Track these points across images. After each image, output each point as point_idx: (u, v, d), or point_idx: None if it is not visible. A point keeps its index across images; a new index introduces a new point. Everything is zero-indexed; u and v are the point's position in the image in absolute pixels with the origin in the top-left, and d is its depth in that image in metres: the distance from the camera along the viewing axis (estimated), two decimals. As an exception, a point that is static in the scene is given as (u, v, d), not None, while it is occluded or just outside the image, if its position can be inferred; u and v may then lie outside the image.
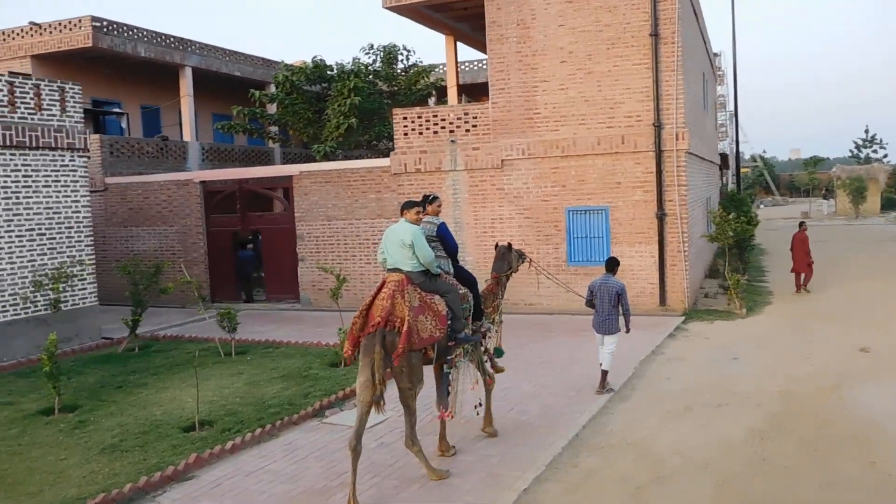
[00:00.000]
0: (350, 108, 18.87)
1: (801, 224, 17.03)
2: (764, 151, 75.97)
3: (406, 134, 15.38)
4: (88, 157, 14.54)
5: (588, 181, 14.08)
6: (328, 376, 9.93)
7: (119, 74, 22.03)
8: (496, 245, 7.69)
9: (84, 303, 13.90)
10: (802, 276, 15.82)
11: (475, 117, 14.83)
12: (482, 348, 7.11)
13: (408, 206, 6.38)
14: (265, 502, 6.01)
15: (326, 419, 8.19)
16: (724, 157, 29.69)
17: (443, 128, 15.11)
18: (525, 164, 14.49)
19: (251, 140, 24.50)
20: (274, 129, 22.15)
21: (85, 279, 13.91)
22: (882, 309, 13.54)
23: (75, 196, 13.92)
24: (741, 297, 13.91)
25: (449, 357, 6.50)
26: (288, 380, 9.85)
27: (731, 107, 52.43)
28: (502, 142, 14.59)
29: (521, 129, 14.46)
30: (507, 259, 7.54)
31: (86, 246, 14.04)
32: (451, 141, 15.00)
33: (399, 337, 5.80)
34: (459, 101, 18.47)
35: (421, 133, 15.27)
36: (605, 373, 8.76)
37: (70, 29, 19.57)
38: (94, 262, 14.11)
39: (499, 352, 7.42)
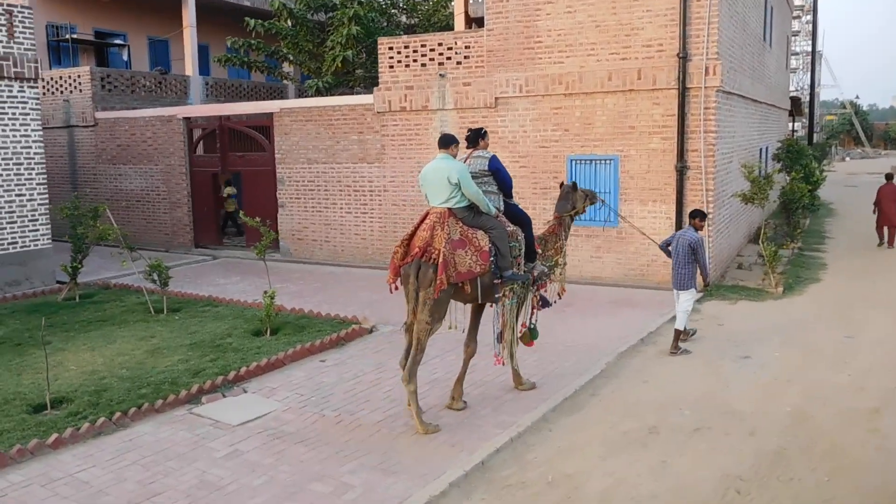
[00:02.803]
0: (348, 39, 16.79)
1: (888, 176, 15.44)
2: (857, 97, 69.03)
3: (392, 67, 13.28)
4: (40, 88, 13.28)
5: (595, 125, 11.70)
6: (241, 347, 8.40)
7: (124, 4, 20.63)
8: (561, 184, 7.39)
9: (36, 245, 12.90)
10: (886, 231, 14.83)
11: (468, 47, 12.55)
12: (535, 293, 6.70)
13: (449, 141, 6.12)
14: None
15: (199, 407, 6.67)
16: (795, 101, 25.93)
17: (431, 59, 12.91)
18: (522, 102, 12.19)
19: (270, 77, 22.80)
20: (285, 64, 20.36)
21: (37, 220, 12.88)
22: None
23: (25, 130, 12.72)
24: (779, 272, 11.42)
25: (497, 296, 6.16)
26: (195, 349, 8.39)
27: (817, 43, 46.96)
28: (497, 76, 12.31)
29: (520, 60, 12.11)
30: (571, 199, 7.11)
31: (38, 184, 12.93)
32: (440, 75, 12.81)
33: (434, 269, 5.75)
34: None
35: (408, 66, 13.14)
36: (677, 332, 8.22)
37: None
38: (46, 201, 13.03)
39: (534, 333, 6.90)
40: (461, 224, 5.97)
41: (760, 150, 16.89)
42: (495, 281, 6.08)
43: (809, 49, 26.16)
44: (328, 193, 14.29)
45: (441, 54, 12.80)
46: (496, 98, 12.34)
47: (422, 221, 6.06)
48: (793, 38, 46.25)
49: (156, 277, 10.22)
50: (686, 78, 10.87)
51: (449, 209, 5.98)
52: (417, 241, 5.91)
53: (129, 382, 7.31)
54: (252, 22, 17.74)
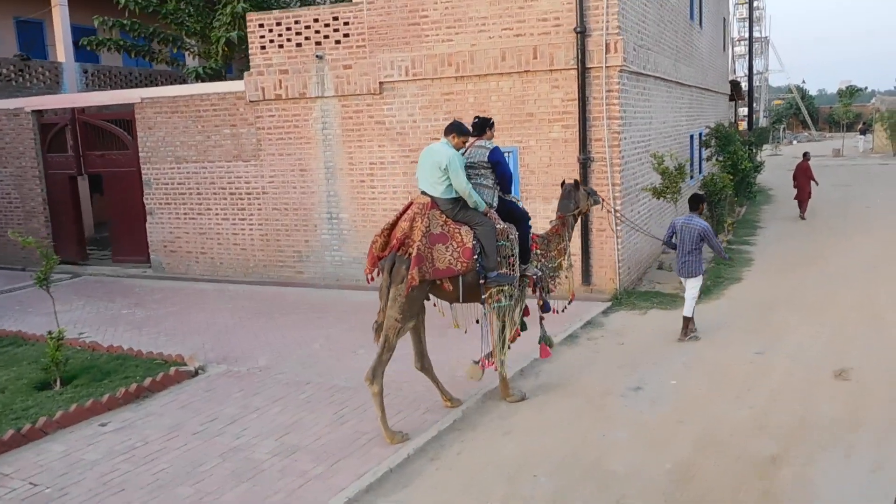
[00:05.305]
0: (234, 18, 14.92)
1: (805, 155, 17.28)
2: (803, 81, 69.55)
3: (264, 48, 11.56)
4: None
5: (491, 112, 10.17)
6: (6, 409, 6.43)
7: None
8: (562, 182, 6.89)
9: None
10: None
11: (347, 24, 10.91)
12: (537, 297, 6.39)
13: (452, 129, 5.83)
14: None
15: None
16: (735, 85, 24.95)
17: (307, 38, 11.24)
18: (410, 87, 10.63)
19: (175, 67, 20.63)
20: (183, 50, 18.32)
21: None
22: (890, 292, 9.65)
23: None
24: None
25: (483, 297, 5.87)
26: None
27: (764, 30, 46.47)
28: (381, 57, 10.71)
29: (405, 38, 10.53)
30: (574, 198, 6.76)
31: None
32: (317, 56, 11.15)
33: (407, 264, 5.46)
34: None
35: (281, 46, 11.43)
36: (686, 320, 8.03)
37: None
38: None
39: (549, 341, 6.69)
40: (444, 217, 5.66)
41: (691, 136, 15.69)
42: (480, 281, 5.75)
43: (757, 34, 25.14)
44: (202, 197, 12.52)
45: (318, 32, 11.13)
46: (381, 83, 10.75)
47: (404, 211, 5.74)
48: (742, 23, 45.56)
49: None
50: (585, 56, 9.45)
51: (433, 200, 5.67)
52: (397, 232, 5.59)
53: None
54: (122, -1, 15.63)
